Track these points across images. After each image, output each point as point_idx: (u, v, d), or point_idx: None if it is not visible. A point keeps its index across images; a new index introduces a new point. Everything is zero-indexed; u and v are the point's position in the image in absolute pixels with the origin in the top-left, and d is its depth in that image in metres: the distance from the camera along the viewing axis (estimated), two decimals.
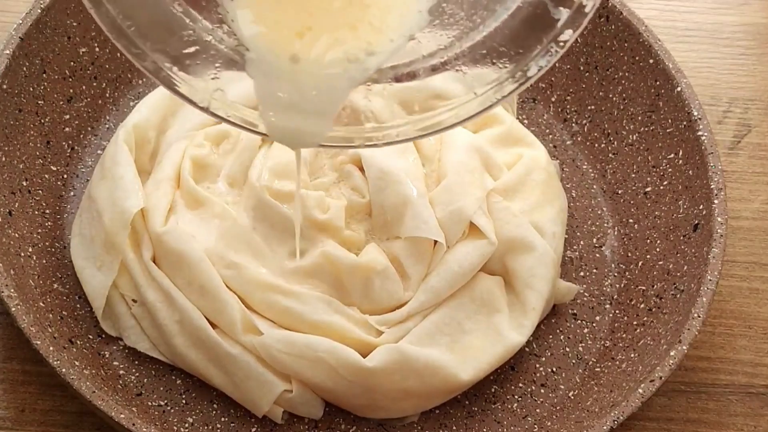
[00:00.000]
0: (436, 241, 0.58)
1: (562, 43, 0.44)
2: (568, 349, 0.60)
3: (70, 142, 0.64)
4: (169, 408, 0.56)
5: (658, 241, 0.62)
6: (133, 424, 0.50)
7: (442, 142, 0.62)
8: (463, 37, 0.46)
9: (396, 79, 0.46)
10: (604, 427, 0.52)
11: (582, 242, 0.64)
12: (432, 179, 0.61)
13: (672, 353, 0.54)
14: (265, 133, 0.47)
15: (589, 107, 0.68)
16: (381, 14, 0.45)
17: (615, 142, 0.67)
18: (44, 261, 0.59)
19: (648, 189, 0.64)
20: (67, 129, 0.64)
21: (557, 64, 0.69)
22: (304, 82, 0.45)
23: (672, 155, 0.63)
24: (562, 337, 0.61)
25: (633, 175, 0.65)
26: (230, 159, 0.61)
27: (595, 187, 0.67)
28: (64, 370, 0.51)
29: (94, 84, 0.65)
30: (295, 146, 0.49)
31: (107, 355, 0.57)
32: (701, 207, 0.60)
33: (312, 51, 0.45)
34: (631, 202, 0.65)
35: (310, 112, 0.46)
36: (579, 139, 0.68)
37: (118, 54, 0.66)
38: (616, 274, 0.63)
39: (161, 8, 0.45)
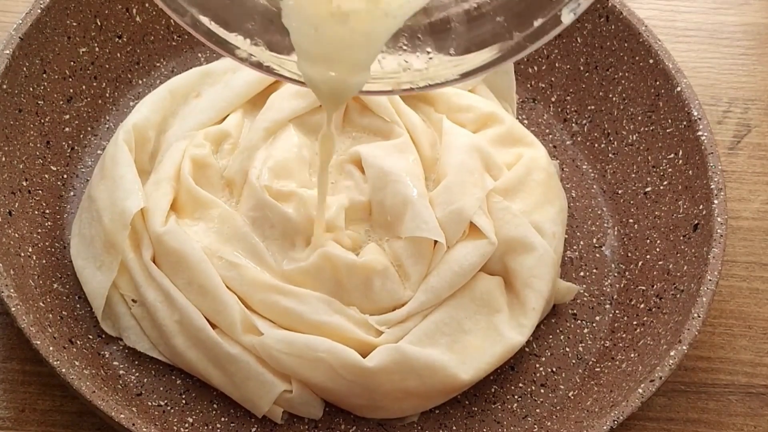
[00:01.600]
0: (436, 241, 0.58)
1: None
2: (568, 349, 0.60)
3: (70, 142, 0.64)
4: (169, 408, 0.56)
5: (658, 241, 0.62)
6: (133, 424, 0.50)
7: (442, 143, 0.62)
8: None
9: (430, 26, 0.46)
10: (604, 427, 0.52)
11: (582, 242, 0.64)
12: (432, 179, 0.61)
13: (672, 353, 0.54)
14: (304, 82, 0.46)
15: (589, 107, 0.68)
16: None
17: (615, 142, 0.67)
18: (44, 261, 0.59)
19: (648, 189, 0.64)
20: (67, 129, 0.64)
21: (557, 64, 0.69)
22: (340, 31, 0.44)
23: (672, 155, 0.63)
24: (562, 337, 0.61)
25: (633, 175, 0.65)
26: (230, 159, 0.61)
27: (595, 187, 0.67)
28: (64, 370, 0.51)
29: (94, 84, 0.66)
30: (334, 97, 0.49)
31: (107, 355, 0.57)
32: (701, 207, 0.60)
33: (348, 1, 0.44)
34: (631, 202, 0.65)
35: (348, 62, 0.45)
36: (579, 139, 0.68)
37: (118, 54, 0.66)
38: (616, 274, 0.63)
39: None
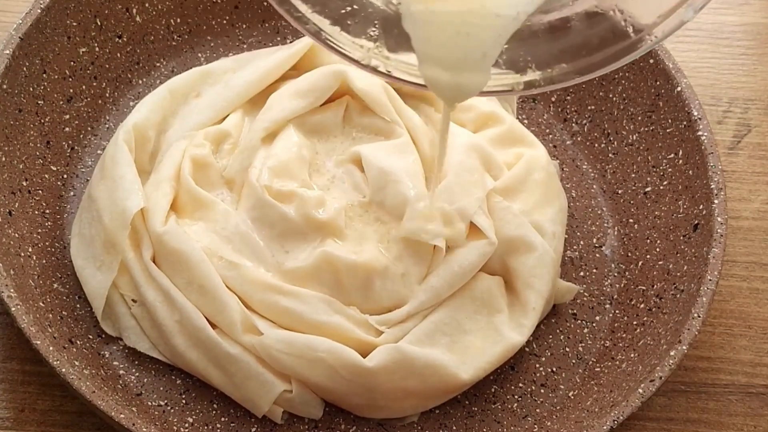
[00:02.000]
0: None
1: None
2: (568, 349, 0.60)
3: (70, 142, 0.64)
4: (169, 408, 0.56)
5: (658, 241, 0.62)
6: (133, 424, 0.50)
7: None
8: None
9: (550, 25, 0.46)
10: (604, 427, 0.52)
11: (582, 242, 0.64)
12: (432, 179, 0.61)
13: (672, 353, 0.54)
14: (425, 85, 0.47)
15: (589, 107, 0.68)
16: None
17: (615, 142, 0.67)
18: (44, 261, 0.59)
19: (648, 189, 0.64)
20: (67, 129, 0.64)
21: None
22: (459, 33, 0.45)
23: (672, 155, 0.63)
24: (562, 337, 0.61)
25: (633, 175, 0.65)
26: (230, 159, 0.61)
27: (595, 187, 0.67)
28: (63, 370, 0.51)
29: (94, 84, 0.66)
30: (456, 98, 0.49)
31: (107, 355, 0.57)
32: (701, 207, 0.60)
33: (465, 6, 0.45)
34: (631, 202, 0.65)
35: (468, 63, 0.46)
36: (579, 139, 0.68)
37: (118, 54, 0.66)
38: (616, 274, 0.63)
39: None
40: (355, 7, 0.46)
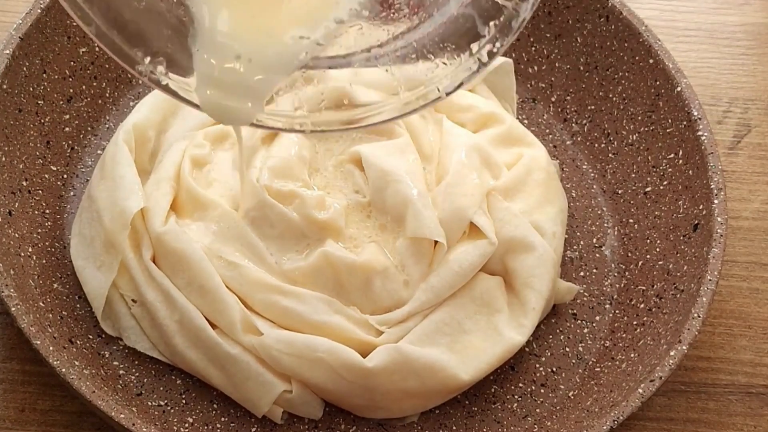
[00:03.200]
0: (436, 241, 0.58)
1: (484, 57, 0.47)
2: (568, 349, 0.60)
3: (70, 142, 0.64)
4: (169, 408, 0.56)
5: (658, 241, 0.62)
6: (133, 424, 0.50)
7: (443, 142, 0.62)
8: (399, 36, 0.48)
9: (330, 67, 0.48)
10: (604, 427, 0.52)
11: (582, 242, 0.64)
12: (432, 179, 0.61)
13: (672, 353, 0.54)
14: (198, 105, 0.48)
15: (589, 107, 0.68)
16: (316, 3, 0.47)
17: (615, 142, 0.67)
18: (44, 261, 0.59)
19: (648, 189, 0.64)
20: (67, 129, 0.64)
21: (557, 64, 0.69)
22: (240, 63, 0.46)
23: (672, 155, 0.63)
24: (562, 337, 0.61)
25: (633, 175, 0.65)
26: (230, 159, 0.61)
27: (595, 187, 0.67)
28: (64, 370, 0.51)
29: (94, 84, 0.66)
30: (225, 122, 0.51)
31: (107, 355, 0.57)
32: (701, 207, 0.60)
33: (251, 35, 0.46)
34: (631, 202, 0.65)
35: (243, 92, 0.47)
36: (579, 139, 0.68)
37: None
38: (616, 274, 0.63)
39: None
40: (146, 12, 0.47)
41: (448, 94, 0.48)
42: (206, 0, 0.46)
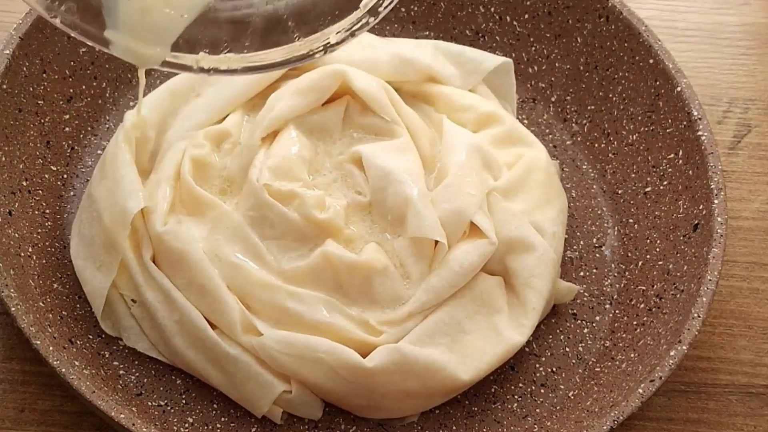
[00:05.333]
0: (436, 241, 0.58)
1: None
2: (568, 349, 0.60)
3: (70, 142, 0.64)
4: (169, 408, 0.56)
5: (658, 241, 0.62)
6: (133, 424, 0.50)
7: (443, 142, 0.62)
8: None
9: (233, 9, 0.51)
10: (604, 427, 0.52)
11: (582, 242, 0.64)
12: (432, 179, 0.61)
13: (672, 353, 0.54)
14: (107, 49, 0.50)
15: (589, 107, 0.68)
16: None
17: (615, 142, 0.67)
18: (44, 261, 0.59)
19: (648, 189, 0.64)
20: (67, 129, 0.64)
21: (557, 64, 0.69)
22: (148, 8, 0.49)
23: (672, 155, 0.63)
24: (562, 337, 0.61)
25: (633, 175, 0.65)
26: (230, 159, 0.61)
27: (595, 187, 0.67)
28: (64, 370, 0.51)
29: (94, 84, 0.66)
30: (137, 63, 0.52)
31: (107, 355, 0.57)
32: (701, 207, 0.60)
33: None
34: (631, 202, 0.65)
35: (152, 33, 0.50)
36: (579, 139, 0.68)
37: None
38: (616, 274, 0.63)
39: None
40: None
41: (337, 44, 0.51)
42: None
